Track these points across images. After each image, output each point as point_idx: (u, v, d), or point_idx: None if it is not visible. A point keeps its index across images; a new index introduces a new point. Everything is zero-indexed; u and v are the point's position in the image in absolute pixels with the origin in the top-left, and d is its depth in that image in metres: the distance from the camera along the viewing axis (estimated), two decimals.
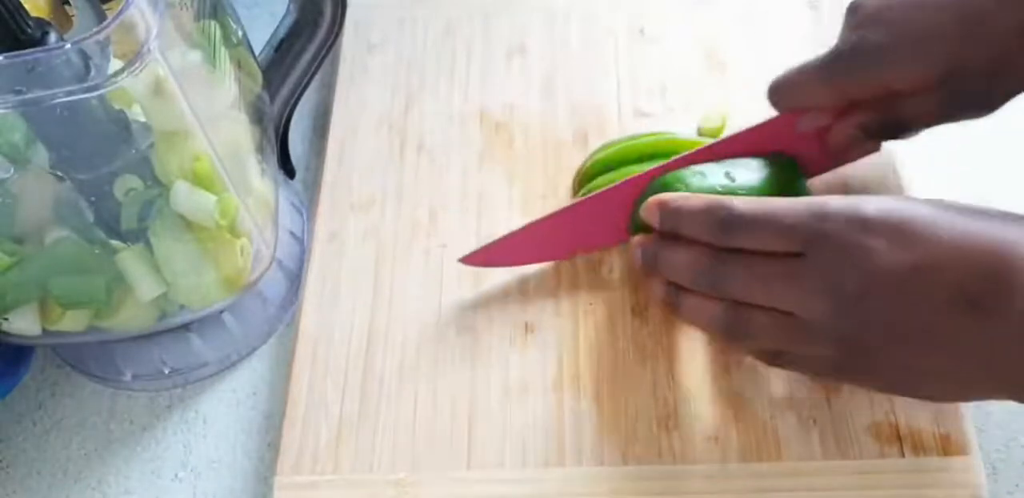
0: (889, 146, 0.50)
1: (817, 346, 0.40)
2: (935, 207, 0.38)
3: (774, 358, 0.42)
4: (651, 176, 0.47)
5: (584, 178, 0.53)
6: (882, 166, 0.52)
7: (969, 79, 0.43)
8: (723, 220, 0.41)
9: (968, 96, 0.44)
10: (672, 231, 0.43)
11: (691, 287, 0.43)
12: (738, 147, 0.48)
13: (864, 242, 0.38)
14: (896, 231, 0.38)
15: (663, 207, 0.43)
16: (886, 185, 0.52)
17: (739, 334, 0.42)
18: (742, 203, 0.41)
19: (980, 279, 0.37)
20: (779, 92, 0.47)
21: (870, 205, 0.39)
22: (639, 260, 0.45)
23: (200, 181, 0.43)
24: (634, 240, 0.45)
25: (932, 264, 0.37)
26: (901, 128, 0.47)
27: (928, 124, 0.46)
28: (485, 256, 0.50)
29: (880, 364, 0.39)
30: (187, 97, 0.41)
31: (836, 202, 0.39)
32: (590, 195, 0.49)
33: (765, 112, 0.48)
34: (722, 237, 0.41)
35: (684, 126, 0.53)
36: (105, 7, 0.42)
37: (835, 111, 0.47)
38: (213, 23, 0.46)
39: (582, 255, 0.51)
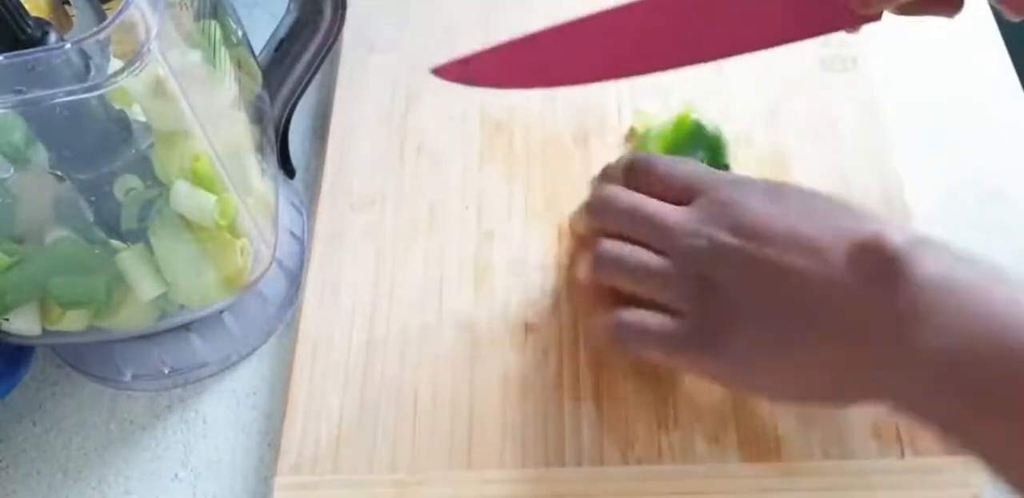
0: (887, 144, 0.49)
1: (678, 298, 0.39)
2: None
3: (624, 328, 0.41)
4: None
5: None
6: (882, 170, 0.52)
7: None
8: (634, 163, 0.43)
9: None
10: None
11: (593, 217, 0.43)
12: None
13: (758, 188, 0.40)
14: (795, 195, 0.39)
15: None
16: (886, 185, 0.52)
17: (615, 264, 0.41)
18: (657, 156, 0.43)
19: (869, 252, 0.36)
20: None
21: (761, 179, 0.41)
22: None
23: (200, 181, 0.43)
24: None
25: (822, 226, 0.37)
26: None
27: None
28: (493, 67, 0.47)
29: (731, 334, 0.37)
30: (187, 97, 0.41)
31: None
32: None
33: (765, 110, 0.48)
34: (628, 175, 0.43)
35: None
36: (105, 7, 0.42)
37: None
38: (213, 23, 0.46)
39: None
